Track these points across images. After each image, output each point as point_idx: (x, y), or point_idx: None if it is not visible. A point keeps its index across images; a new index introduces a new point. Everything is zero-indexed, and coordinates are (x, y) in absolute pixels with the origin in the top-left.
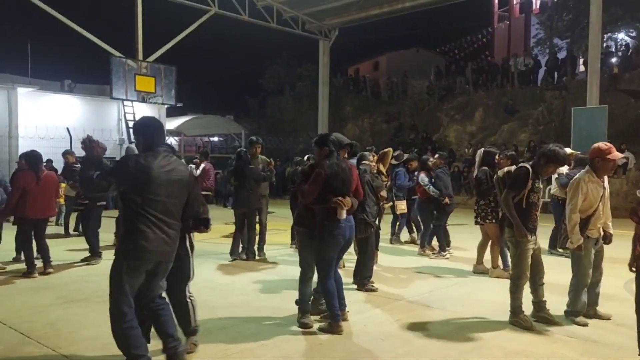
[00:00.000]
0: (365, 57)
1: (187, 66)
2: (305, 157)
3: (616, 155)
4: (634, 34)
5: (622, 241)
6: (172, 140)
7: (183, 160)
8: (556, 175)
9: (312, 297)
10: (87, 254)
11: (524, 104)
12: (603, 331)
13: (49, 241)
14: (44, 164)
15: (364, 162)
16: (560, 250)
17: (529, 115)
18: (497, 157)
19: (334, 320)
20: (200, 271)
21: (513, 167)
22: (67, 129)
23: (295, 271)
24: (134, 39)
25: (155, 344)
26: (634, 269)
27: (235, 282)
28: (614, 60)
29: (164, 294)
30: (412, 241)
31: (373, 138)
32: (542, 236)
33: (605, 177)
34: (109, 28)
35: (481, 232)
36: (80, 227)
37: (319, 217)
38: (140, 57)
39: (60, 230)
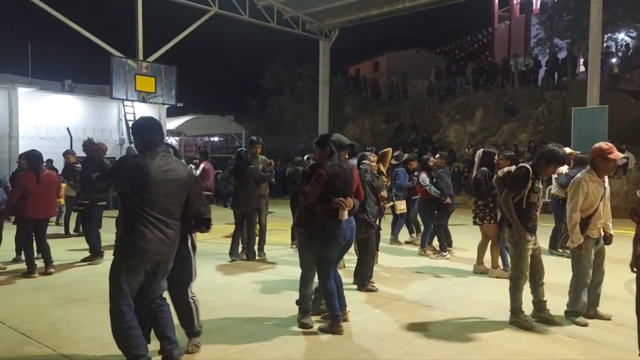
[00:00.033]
0: (365, 57)
1: (188, 66)
2: (305, 157)
3: (617, 155)
4: (634, 34)
5: (622, 241)
6: (172, 140)
7: (183, 160)
8: (556, 175)
9: (313, 297)
10: (87, 254)
11: (524, 104)
12: (603, 331)
13: (49, 241)
14: (44, 163)
15: (364, 161)
16: (560, 250)
17: (529, 115)
18: (496, 157)
19: (334, 321)
20: (200, 271)
21: (513, 167)
22: (68, 129)
23: (295, 271)
24: (135, 38)
25: (155, 344)
26: (635, 270)
27: (236, 282)
28: (614, 60)
29: (165, 295)
30: (412, 242)
31: (373, 138)
32: (542, 236)
33: (606, 177)
34: (109, 28)
35: (481, 233)
36: (81, 227)
37: (320, 218)
38: (141, 57)
39: (60, 230)
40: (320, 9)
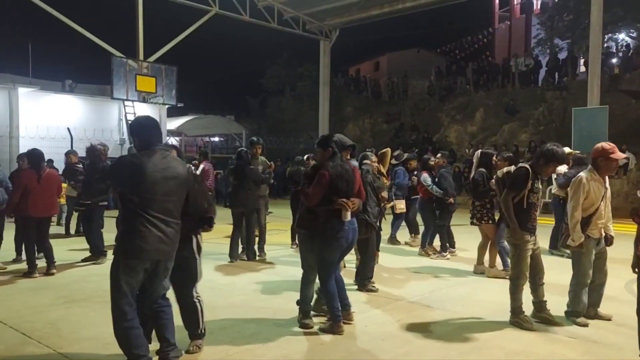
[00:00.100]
0: (366, 58)
1: (188, 66)
2: (305, 157)
3: (619, 155)
4: (634, 35)
5: (623, 241)
6: (173, 140)
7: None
8: (555, 175)
9: (314, 297)
10: (88, 254)
11: (525, 104)
12: (604, 332)
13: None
14: (45, 163)
15: (365, 162)
16: (560, 250)
17: (529, 115)
18: (494, 158)
19: (334, 321)
20: None
21: (512, 168)
22: (68, 129)
23: (295, 272)
24: (135, 39)
25: (156, 344)
26: (636, 271)
27: (236, 282)
28: (614, 60)
29: (167, 295)
30: (410, 243)
31: (374, 138)
32: (542, 236)
33: (607, 178)
34: (109, 28)
35: (481, 233)
36: (82, 227)
37: (322, 219)
38: (141, 57)
39: (61, 230)
40: (320, 9)
